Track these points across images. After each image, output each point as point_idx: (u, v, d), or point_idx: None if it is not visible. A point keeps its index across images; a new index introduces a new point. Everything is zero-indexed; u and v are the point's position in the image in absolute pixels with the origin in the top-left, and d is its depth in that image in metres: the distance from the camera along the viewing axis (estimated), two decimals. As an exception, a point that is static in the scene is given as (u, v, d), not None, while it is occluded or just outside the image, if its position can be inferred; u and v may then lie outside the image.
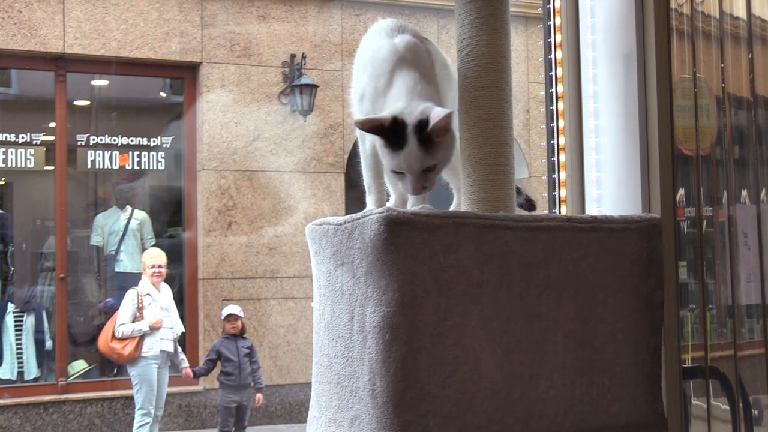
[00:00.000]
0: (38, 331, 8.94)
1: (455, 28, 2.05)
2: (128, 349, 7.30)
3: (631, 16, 2.52)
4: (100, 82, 9.75)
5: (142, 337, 7.35)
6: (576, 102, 2.69)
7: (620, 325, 1.85)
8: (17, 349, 8.81)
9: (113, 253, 9.23)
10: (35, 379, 8.91)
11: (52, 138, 9.04)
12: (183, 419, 8.90)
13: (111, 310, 8.64)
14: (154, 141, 9.46)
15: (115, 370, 9.02)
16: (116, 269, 9.26)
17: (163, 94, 10.40)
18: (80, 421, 8.66)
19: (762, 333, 2.77)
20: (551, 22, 2.79)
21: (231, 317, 7.56)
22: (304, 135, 9.50)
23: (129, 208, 9.35)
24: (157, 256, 7.72)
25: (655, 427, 1.91)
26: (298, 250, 9.26)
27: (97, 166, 9.26)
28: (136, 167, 9.41)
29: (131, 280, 8.77)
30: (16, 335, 8.83)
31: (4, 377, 8.75)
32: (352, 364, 1.70)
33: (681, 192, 2.61)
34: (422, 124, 1.69)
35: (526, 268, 1.74)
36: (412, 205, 1.86)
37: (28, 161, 8.98)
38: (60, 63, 8.94)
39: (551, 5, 2.80)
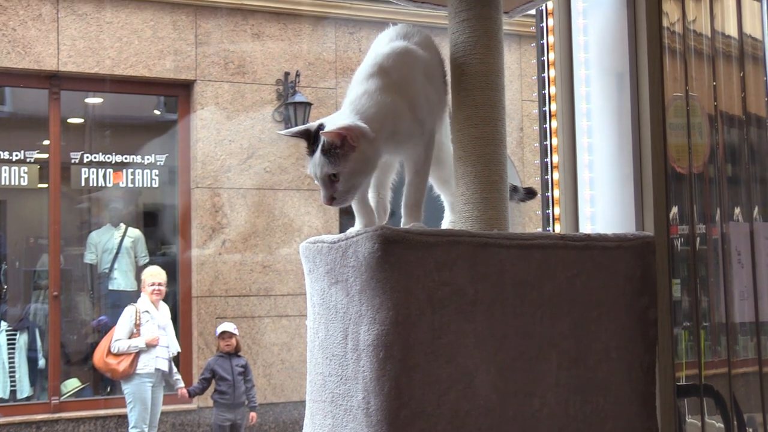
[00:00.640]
0: (31, 349, 8.89)
1: (449, 47, 2.06)
2: (123, 365, 7.28)
3: (623, 35, 2.53)
4: (94, 100, 9.74)
5: (137, 354, 7.33)
6: (569, 120, 2.70)
7: (614, 343, 1.85)
8: (10, 367, 8.76)
9: (107, 271, 9.20)
10: (28, 398, 8.86)
11: (45, 156, 9.02)
12: (176, 438, 8.86)
13: (104, 328, 8.61)
14: (148, 159, 9.45)
15: (108, 389, 8.98)
16: (110, 287, 9.23)
17: (157, 112, 10.40)
18: (73, 439, 8.62)
19: (756, 351, 2.77)
20: (544, 41, 2.81)
21: (225, 335, 7.53)
22: (298, 153, 9.49)
23: (123, 226, 9.33)
24: (157, 275, 7.72)
25: (649, 445, 1.91)
26: (292, 268, 9.24)
27: (90, 184, 9.24)
28: (129, 185, 9.39)
29: (125, 298, 8.74)
30: (9, 353, 8.79)
31: (-4, 396, 8.71)
32: (347, 383, 1.69)
33: (674, 210, 2.61)
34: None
35: (519, 286, 1.74)
36: (404, 224, 1.86)
37: (22, 179, 8.96)
38: (54, 81, 8.94)
39: (544, 24, 2.81)
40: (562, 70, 2.72)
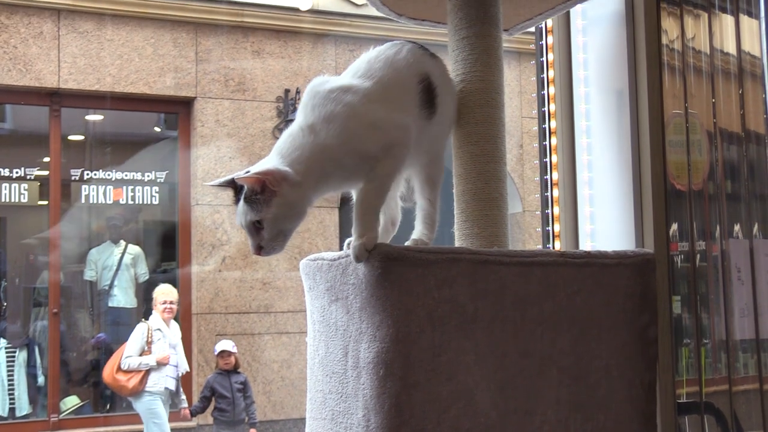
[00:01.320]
0: (30, 366, 8.87)
1: (449, 64, 2.06)
2: (133, 382, 7.25)
3: (623, 53, 2.54)
4: (94, 117, 9.76)
5: (147, 372, 7.31)
6: (569, 137, 2.70)
7: (614, 360, 1.85)
8: (9, 384, 8.74)
9: (107, 287, 9.19)
10: (26, 416, 8.83)
11: (46, 173, 9.03)
12: (176, 456, 8.83)
13: (104, 346, 8.59)
14: (148, 176, 9.46)
15: (108, 406, 8.95)
16: (110, 304, 9.22)
17: (157, 129, 10.41)
18: (72, 457, 8.58)
19: (756, 368, 2.77)
20: (544, 58, 2.81)
21: (224, 353, 7.52)
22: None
23: (123, 243, 9.33)
24: (169, 293, 7.69)
25: (650, 463, 1.90)
26: (291, 285, 9.23)
27: (91, 201, 9.24)
28: (130, 202, 9.39)
29: (125, 315, 8.73)
30: (8, 371, 8.77)
31: (-5, 413, 8.69)
32: (347, 400, 1.69)
33: (674, 227, 2.62)
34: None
35: (520, 304, 1.74)
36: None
37: (22, 196, 8.97)
38: (55, 98, 8.96)
39: (544, 41, 2.82)
40: (562, 87, 2.73)
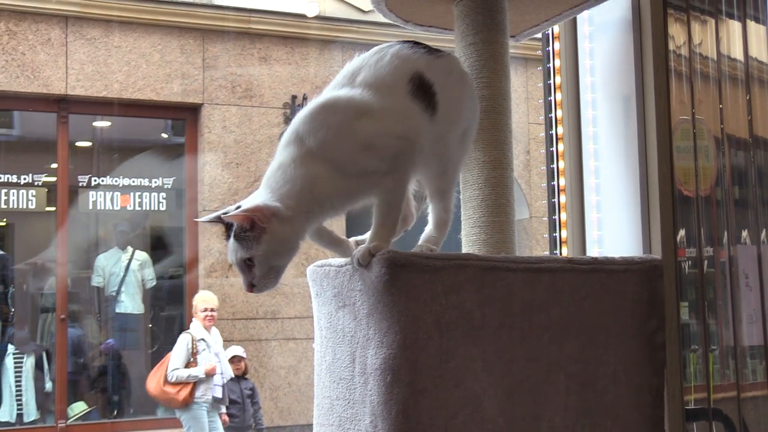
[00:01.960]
0: (38, 372, 8.88)
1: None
2: (183, 394, 7.13)
3: (630, 58, 2.54)
4: (102, 124, 9.79)
5: (195, 383, 7.20)
6: (576, 143, 2.70)
7: (622, 366, 1.85)
8: (17, 390, 8.75)
9: (114, 294, 9.20)
10: (34, 422, 8.84)
11: (53, 179, 9.05)
12: (184, 461, 8.82)
13: (111, 352, 8.58)
14: (155, 182, 9.48)
15: (115, 412, 8.96)
16: (117, 310, 9.22)
17: (164, 136, 10.44)
18: (79, 463, 8.59)
19: (765, 374, 2.76)
20: (551, 65, 2.82)
21: (235, 358, 7.51)
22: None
23: (130, 249, 9.34)
24: (209, 300, 7.58)
25: (658, 469, 1.90)
26: (299, 291, 9.23)
27: (98, 207, 9.26)
28: (137, 208, 9.41)
29: (132, 321, 8.73)
30: (16, 377, 8.78)
31: (3, 419, 8.67)
32: (354, 407, 1.69)
33: (682, 233, 2.61)
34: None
35: (527, 310, 1.74)
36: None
37: (30, 202, 8.99)
38: (62, 105, 8.98)
39: (551, 47, 2.82)
40: (569, 93, 2.73)
